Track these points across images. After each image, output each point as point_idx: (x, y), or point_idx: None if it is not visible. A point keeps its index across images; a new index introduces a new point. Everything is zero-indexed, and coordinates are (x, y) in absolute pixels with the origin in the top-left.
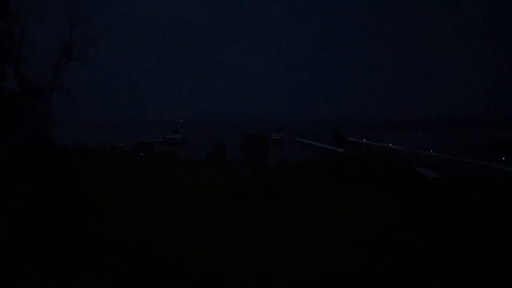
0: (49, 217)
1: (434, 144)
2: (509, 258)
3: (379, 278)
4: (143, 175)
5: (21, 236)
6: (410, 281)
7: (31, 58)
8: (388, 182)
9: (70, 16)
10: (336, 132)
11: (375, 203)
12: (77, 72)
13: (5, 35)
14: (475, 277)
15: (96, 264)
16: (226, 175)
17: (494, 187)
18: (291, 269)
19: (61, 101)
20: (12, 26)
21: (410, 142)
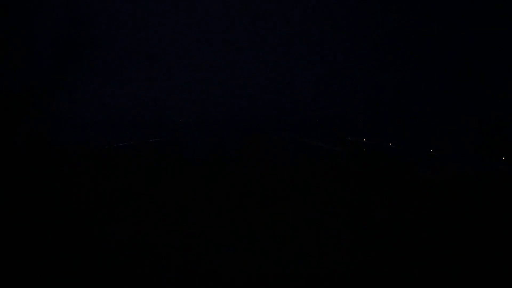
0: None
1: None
2: None
3: None
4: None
5: None
6: None
7: (31, 58)
8: (386, 182)
9: (70, 16)
10: (337, 131)
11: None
12: (77, 71)
13: (5, 35)
14: None
15: None
16: (226, 174)
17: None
18: None
19: (62, 100)
20: (12, 26)
21: (413, 140)
